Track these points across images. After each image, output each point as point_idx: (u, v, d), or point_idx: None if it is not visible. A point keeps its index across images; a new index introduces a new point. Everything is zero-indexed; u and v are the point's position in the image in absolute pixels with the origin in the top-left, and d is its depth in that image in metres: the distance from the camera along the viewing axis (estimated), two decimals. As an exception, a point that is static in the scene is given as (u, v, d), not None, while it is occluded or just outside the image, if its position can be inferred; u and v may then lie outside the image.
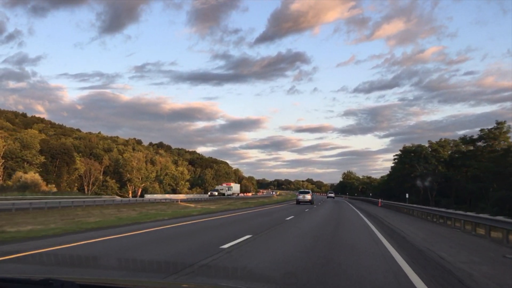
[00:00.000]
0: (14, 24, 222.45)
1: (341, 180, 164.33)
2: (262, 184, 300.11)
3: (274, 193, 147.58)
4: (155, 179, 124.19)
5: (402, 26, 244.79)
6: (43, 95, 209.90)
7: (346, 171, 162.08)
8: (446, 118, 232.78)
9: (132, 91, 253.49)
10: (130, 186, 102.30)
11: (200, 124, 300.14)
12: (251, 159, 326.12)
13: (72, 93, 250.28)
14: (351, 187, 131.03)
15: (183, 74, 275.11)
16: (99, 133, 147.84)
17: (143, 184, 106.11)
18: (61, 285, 2.26)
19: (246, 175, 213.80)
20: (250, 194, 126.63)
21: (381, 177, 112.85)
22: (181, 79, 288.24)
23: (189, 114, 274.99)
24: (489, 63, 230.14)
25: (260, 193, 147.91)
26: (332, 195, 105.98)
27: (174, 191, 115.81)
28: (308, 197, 45.96)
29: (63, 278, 2.36)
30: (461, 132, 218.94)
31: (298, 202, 45.70)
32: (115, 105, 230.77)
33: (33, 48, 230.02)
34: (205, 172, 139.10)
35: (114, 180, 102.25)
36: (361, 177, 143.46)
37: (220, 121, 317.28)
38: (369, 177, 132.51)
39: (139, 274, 6.80)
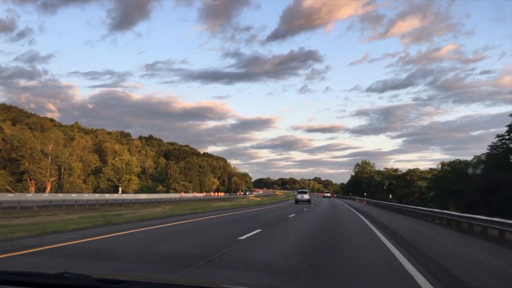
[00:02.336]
0: (25, 22, 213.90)
1: (353, 174, 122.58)
2: (266, 183, 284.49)
3: (250, 193, 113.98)
4: (93, 171, 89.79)
5: (417, 23, 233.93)
6: (54, 94, 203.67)
7: (360, 162, 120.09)
8: (460, 118, 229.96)
9: (143, 89, 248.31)
10: (31, 180, 67.17)
11: (211, 124, 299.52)
12: (261, 159, 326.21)
13: (83, 91, 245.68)
14: (368, 184, 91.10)
15: (193, 73, 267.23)
16: (75, 122, 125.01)
17: (53, 179, 70.98)
18: (77, 278, 2.21)
19: (254, 174, 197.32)
20: (221, 194, 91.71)
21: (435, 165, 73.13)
22: (191, 78, 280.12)
23: (200, 113, 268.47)
24: (507, 62, 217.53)
25: (240, 193, 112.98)
26: (328, 195, 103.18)
27: (117, 188, 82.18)
28: (306, 196, 47.75)
29: (80, 272, 2.29)
30: (476, 133, 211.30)
31: (297, 201, 46.81)
32: (126, 104, 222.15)
33: (44, 46, 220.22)
34: (171, 165, 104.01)
35: (5, 171, 67.47)
36: (382, 169, 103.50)
37: (231, 121, 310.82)
38: (395, 170, 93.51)
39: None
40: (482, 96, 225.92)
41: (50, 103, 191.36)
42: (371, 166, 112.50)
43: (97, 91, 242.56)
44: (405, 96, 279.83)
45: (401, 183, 76.50)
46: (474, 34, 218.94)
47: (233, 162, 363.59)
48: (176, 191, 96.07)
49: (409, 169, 78.43)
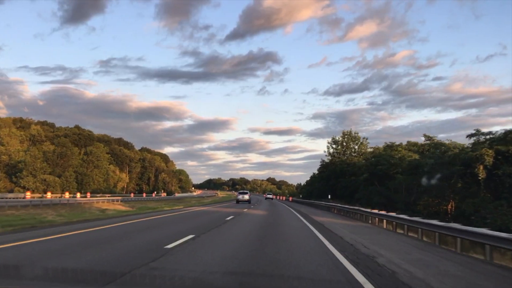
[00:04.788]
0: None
1: (326, 161, 67.98)
2: (216, 184, 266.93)
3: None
4: None
5: (375, 28, 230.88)
6: (2, 89, 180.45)
7: (340, 136, 67.94)
8: (412, 123, 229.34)
9: (97, 87, 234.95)
10: None
11: (168, 124, 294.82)
12: (218, 161, 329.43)
13: (33, 87, 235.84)
14: (373, 173, 41.53)
15: (150, 71, 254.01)
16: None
17: None
18: None
19: (210, 176, 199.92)
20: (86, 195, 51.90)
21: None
22: (148, 76, 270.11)
23: (156, 113, 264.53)
24: (458, 69, 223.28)
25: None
26: (271, 196, 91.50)
27: None
28: (246, 197, 50.87)
29: None
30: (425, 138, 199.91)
31: (238, 201, 50.19)
32: (79, 101, 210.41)
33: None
34: (31, 150, 61.73)
35: None
36: (419, 141, 49.81)
37: (188, 121, 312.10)
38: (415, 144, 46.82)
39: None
40: (433, 102, 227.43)
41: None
42: (363, 143, 63.82)
43: (48, 87, 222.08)
44: (361, 100, 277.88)
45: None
46: (428, 41, 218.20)
47: (189, 163, 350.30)
48: (25, 189, 54.85)
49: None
